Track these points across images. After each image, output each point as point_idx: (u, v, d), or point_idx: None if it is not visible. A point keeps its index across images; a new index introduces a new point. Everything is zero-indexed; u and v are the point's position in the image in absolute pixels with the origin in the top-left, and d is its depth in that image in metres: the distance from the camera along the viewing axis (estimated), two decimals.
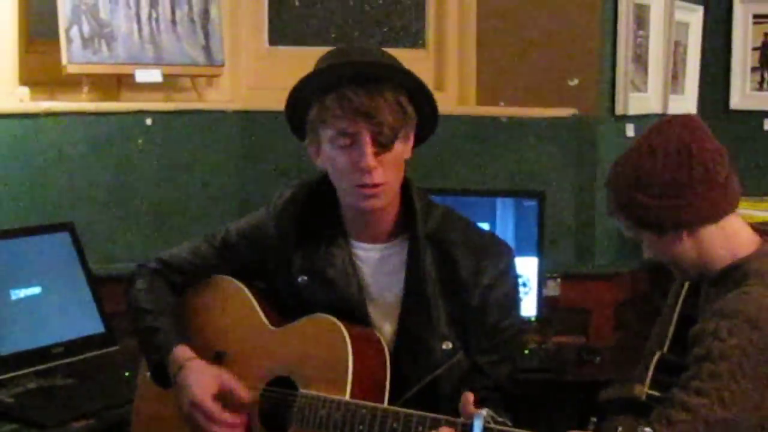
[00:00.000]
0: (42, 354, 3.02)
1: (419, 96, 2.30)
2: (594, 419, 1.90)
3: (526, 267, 3.40)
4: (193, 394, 2.31)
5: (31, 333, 3.02)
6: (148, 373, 2.49)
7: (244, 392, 2.34)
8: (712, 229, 2.26)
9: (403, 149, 2.29)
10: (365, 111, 2.19)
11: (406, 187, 2.37)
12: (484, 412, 1.96)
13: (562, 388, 3.40)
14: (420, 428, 2.08)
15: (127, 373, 3.08)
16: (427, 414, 2.09)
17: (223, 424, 2.30)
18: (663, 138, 2.26)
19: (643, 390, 2.23)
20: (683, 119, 2.31)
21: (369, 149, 2.22)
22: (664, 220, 2.25)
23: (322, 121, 2.25)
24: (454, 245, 2.35)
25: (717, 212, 2.26)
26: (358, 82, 2.21)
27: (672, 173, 2.22)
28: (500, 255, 2.38)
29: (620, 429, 1.87)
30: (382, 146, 2.23)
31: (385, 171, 2.25)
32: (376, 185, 2.25)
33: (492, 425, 1.96)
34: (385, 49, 2.38)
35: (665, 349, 2.35)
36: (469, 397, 2.04)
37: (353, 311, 2.36)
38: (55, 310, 3.11)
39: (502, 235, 3.01)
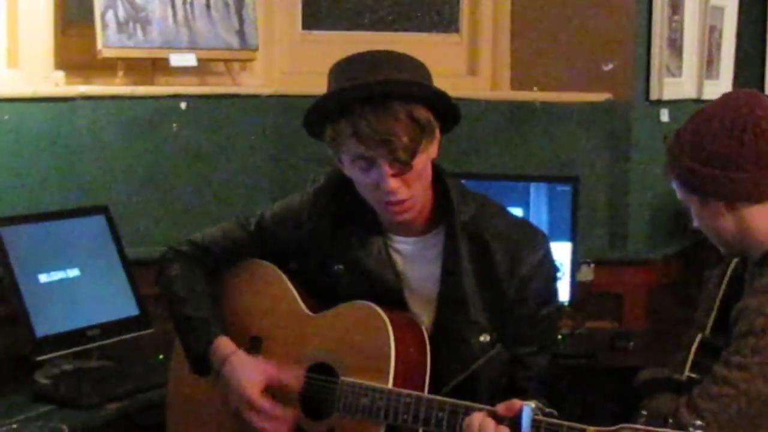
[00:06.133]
0: (78, 336, 3.03)
1: (434, 97, 2.21)
2: (645, 412, 1.87)
3: (560, 252, 3.37)
4: (243, 391, 2.31)
5: (68, 315, 3.03)
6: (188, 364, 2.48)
7: (292, 379, 2.32)
8: (757, 209, 2.23)
9: (426, 159, 2.24)
10: (379, 139, 2.14)
11: (437, 176, 2.32)
12: (533, 404, 1.94)
13: (595, 373, 3.39)
14: (465, 419, 2.06)
15: (161, 356, 3.10)
16: (474, 404, 2.07)
17: (276, 419, 2.29)
18: (723, 108, 2.24)
19: (684, 372, 2.22)
20: (748, 94, 2.28)
21: (387, 172, 2.18)
22: (705, 188, 2.23)
23: (338, 145, 2.22)
24: (490, 236, 2.31)
25: (762, 193, 2.22)
26: (368, 101, 2.14)
27: (722, 144, 2.20)
28: (536, 245, 2.34)
29: (671, 421, 1.85)
30: (402, 166, 2.18)
31: (409, 186, 2.22)
32: (402, 201, 2.22)
33: (540, 417, 1.94)
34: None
35: (707, 332, 2.33)
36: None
37: (391, 301, 2.33)
38: (90, 292, 3.12)
39: (536, 221, 2.99)
